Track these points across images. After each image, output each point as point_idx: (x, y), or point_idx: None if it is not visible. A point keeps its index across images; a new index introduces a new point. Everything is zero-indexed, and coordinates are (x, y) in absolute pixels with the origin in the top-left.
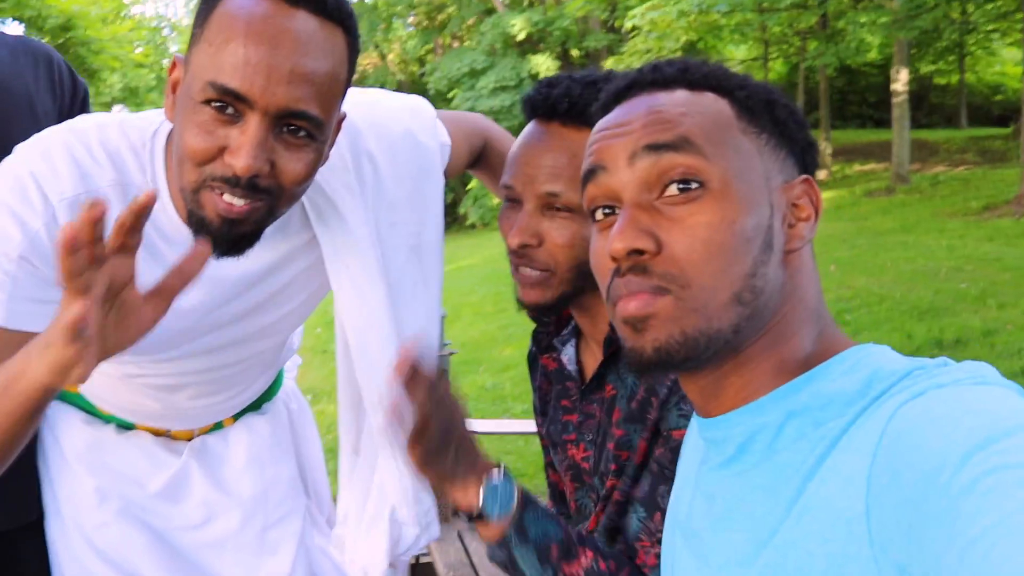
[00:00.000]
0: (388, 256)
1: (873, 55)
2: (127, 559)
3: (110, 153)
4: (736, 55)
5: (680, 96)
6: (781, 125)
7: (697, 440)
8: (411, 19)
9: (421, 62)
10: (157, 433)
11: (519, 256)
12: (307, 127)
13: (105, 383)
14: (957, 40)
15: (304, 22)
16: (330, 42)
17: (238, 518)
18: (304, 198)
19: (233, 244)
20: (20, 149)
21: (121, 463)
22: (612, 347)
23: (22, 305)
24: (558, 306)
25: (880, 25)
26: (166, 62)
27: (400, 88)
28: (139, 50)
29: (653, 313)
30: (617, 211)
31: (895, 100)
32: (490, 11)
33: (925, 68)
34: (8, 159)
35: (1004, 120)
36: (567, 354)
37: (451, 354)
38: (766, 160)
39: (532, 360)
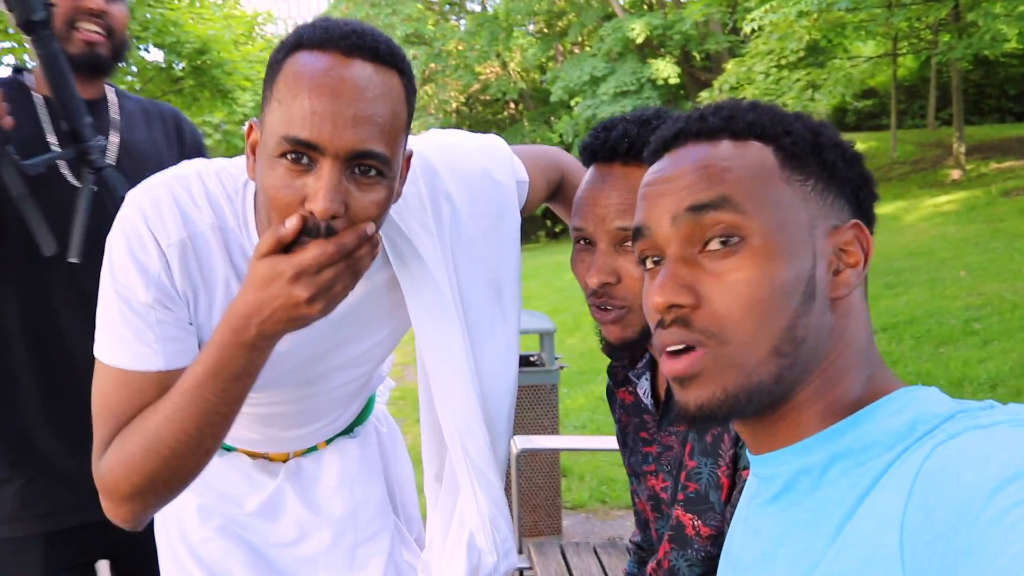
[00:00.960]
0: (466, 291)
1: (1012, 45)
2: (227, 571)
3: (209, 198)
4: (864, 51)
5: (724, 149)
6: (830, 167)
7: (751, 476)
8: (531, 27)
9: (542, 69)
10: (255, 456)
11: (598, 296)
12: (376, 165)
13: None
14: None
15: (360, 69)
16: (387, 84)
17: (330, 536)
18: (383, 238)
19: None
20: (132, 197)
21: (221, 484)
22: None
23: (171, 346)
24: (641, 341)
25: (1017, 15)
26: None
27: (522, 96)
28: None
29: (696, 373)
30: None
31: None
32: (609, 16)
33: None
34: (123, 209)
35: None
36: (643, 387)
37: (561, 368)
38: (811, 207)
39: (610, 394)
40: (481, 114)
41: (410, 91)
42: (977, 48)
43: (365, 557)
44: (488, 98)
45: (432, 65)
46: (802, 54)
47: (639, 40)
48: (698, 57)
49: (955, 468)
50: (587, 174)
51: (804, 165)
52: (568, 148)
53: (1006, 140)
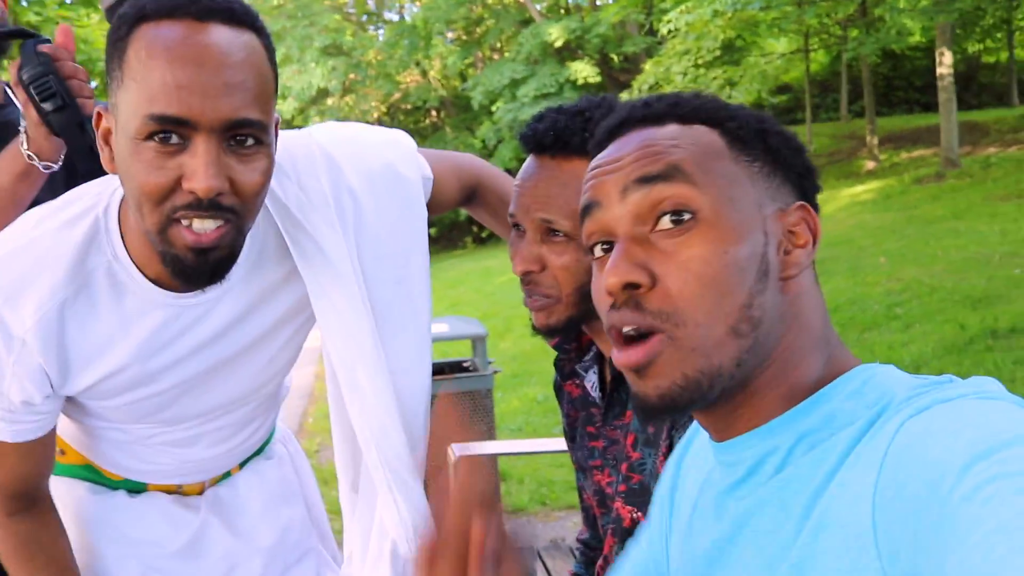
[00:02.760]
0: (374, 289)
1: (916, 38)
2: None
3: (59, 263)
4: (776, 48)
5: (670, 129)
6: (774, 152)
7: (701, 463)
8: (450, 35)
9: (463, 76)
10: (168, 491)
11: (526, 283)
12: (253, 133)
13: (120, 447)
14: (1004, 17)
15: (219, 33)
16: (249, 47)
17: (260, 565)
18: (284, 233)
19: (212, 273)
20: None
21: (136, 529)
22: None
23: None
24: (568, 329)
25: (920, 10)
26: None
27: (443, 103)
28: None
29: (653, 360)
30: (614, 246)
31: (941, 83)
32: (527, 21)
33: (972, 47)
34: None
35: None
36: (590, 380)
37: (495, 372)
38: (758, 187)
39: (557, 389)
40: (403, 123)
41: (270, 50)
42: (884, 42)
43: None
44: (409, 107)
45: (352, 76)
46: (718, 53)
47: (557, 44)
48: (616, 59)
49: (925, 443)
50: (526, 162)
51: (750, 148)
52: (490, 153)
53: (916, 130)
